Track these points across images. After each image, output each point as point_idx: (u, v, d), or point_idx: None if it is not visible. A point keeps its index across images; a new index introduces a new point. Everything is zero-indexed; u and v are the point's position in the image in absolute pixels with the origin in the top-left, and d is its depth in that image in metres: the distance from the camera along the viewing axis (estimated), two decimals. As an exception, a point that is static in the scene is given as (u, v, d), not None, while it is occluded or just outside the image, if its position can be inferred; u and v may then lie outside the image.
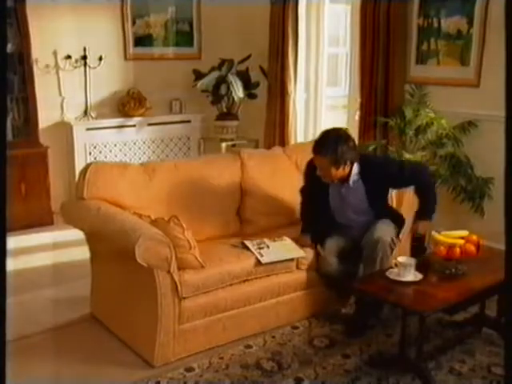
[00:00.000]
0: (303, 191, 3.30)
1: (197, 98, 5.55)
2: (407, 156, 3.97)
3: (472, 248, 2.74)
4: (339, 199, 3.10)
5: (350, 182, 2.99)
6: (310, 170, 3.11)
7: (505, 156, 1.08)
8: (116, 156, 5.20)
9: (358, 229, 3.11)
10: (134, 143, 5.32)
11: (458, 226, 3.06)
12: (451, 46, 4.16)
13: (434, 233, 2.86)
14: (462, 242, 2.75)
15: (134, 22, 5.27)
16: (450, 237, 2.79)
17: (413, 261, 2.68)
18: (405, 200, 3.52)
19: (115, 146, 5.20)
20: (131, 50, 5.30)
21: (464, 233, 2.85)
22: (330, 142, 2.89)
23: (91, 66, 5.02)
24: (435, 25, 4.23)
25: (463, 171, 3.99)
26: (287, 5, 5.13)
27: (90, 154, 5.04)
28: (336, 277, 3.06)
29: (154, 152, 5.43)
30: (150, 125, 5.38)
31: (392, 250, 2.98)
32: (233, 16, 5.69)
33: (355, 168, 2.98)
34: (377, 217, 3.08)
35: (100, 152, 5.11)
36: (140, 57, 5.36)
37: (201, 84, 5.34)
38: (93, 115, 5.11)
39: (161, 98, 5.48)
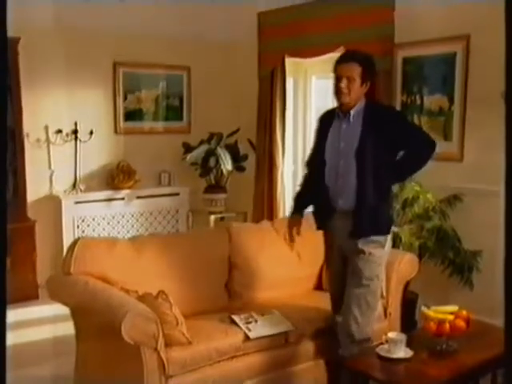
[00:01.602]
0: (310, 160, 3.16)
1: (185, 170, 5.63)
2: (395, 229, 4.00)
3: (462, 323, 2.74)
4: (336, 140, 2.91)
5: (353, 111, 2.86)
6: (325, 118, 3.06)
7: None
8: (104, 229, 5.21)
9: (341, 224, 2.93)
10: (123, 216, 5.34)
11: (447, 300, 3.07)
12: (434, 122, 4.30)
13: (423, 308, 2.86)
14: (451, 317, 2.75)
15: (125, 97, 5.42)
16: (440, 312, 2.79)
17: (403, 337, 2.67)
18: (393, 276, 3.51)
19: (103, 219, 5.22)
20: (122, 124, 5.43)
21: (453, 308, 2.85)
22: (361, 52, 2.93)
23: (82, 139, 5.11)
24: (418, 102, 4.39)
25: (451, 244, 4.02)
26: (275, 80, 5.32)
27: (78, 227, 5.05)
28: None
29: (142, 225, 5.44)
30: (138, 198, 5.42)
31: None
32: (222, 90, 5.87)
33: (362, 101, 2.89)
34: (360, 201, 2.82)
35: (88, 225, 5.11)
36: (130, 131, 5.48)
37: (190, 157, 5.44)
38: (82, 188, 5.15)
39: (150, 170, 5.56)
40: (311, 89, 5.50)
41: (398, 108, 4.51)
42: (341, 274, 2.99)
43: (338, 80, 2.82)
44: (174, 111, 5.77)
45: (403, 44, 4.38)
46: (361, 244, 2.85)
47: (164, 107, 5.70)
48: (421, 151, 2.89)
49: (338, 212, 2.91)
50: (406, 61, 4.44)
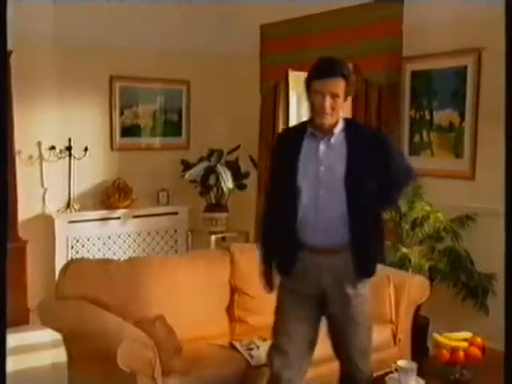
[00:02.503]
0: (270, 191, 2.78)
1: (184, 188, 5.62)
2: (404, 250, 3.99)
3: (477, 351, 2.70)
4: (313, 165, 2.55)
5: (336, 131, 2.54)
6: (288, 139, 2.70)
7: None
8: (99, 250, 5.19)
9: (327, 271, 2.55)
10: (119, 236, 5.32)
11: (461, 326, 3.03)
12: (444, 138, 4.30)
13: (435, 334, 2.83)
14: (465, 344, 2.72)
15: (121, 113, 5.43)
16: (453, 339, 2.76)
17: (414, 365, 2.63)
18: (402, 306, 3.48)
19: (99, 239, 5.20)
20: (118, 140, 5.43)
21: (468, 334, 2.82)
22: (342, 62, 2.60)
23: (76, 156, 5.11)
24: (427, 117, 4.39)
25: (463, 266, 4.00)
26: (278, 95, 5.34)
27: (72, 248, 5.03)
28: None
29: (139, 246, 5.42)
30: (135, 217, 5.41)
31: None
32: (222, 105, 5.88)
33: (341, 121, 2.58)
34: (357, 237, 2.52)
35: (82, 246, 5.09)
36: (127, 147, 5.49)
37: (189, 175, 5.43)
38: (76, 207, 5.14)
39: (147, 189, 5.55)
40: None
41: (407, 124, 4.53)
42: (303, 322, 2.60)
43: (319, 97, 2.49)
44: (172, 127, 5.78)
45: (412, 57, 4.40)
46: (350, 287, 2.56)
47: (162, 123, 5.71)
48: (403, 175, 2.69)
49: (317, 251, 2.54)
50: (414, 74, 4.45)
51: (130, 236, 5.38)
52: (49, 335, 3.36)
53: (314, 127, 2.58)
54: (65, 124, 5.07)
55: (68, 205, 5.12)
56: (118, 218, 5.31)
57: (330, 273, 2.55)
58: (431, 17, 4.26)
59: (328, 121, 2.52)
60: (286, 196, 2.59)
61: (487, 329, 3.28)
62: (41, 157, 5.01)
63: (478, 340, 2.77)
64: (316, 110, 2.52)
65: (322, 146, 2.55)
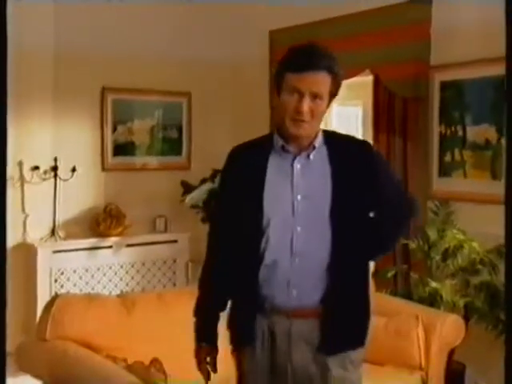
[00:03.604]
0: (220, 230, 2.29)
1: (185, 214, 5.59)
2: (433, 285, 3.93)
3: (521, 403, 2.63)
4: (285, 192, 2.12)
5: (316, 143, 2.14)
6: (246, 157, 2.24)
7: None
8: (87, 284, 5.15)
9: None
10: (110, 268, 5.28)
11: (502, 374, 2.95)
12: (479, 157, 4.25)
13: (473, 382, 2.76)
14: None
15: (114, 129, 5.44)
16: (494, 388, 2.69)
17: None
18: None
19: (86, 271, 5.16)
20: (110, 159, 5.43)
21: None
22: (327, 50, 2.17)
23: (62, 178, 5.09)
24: (459, 133, 4.36)
25: (504, 304, 3.93)
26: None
27: (56, 281, 4.99)
28: None
29: (133, 278, 5.38)
30: (129, 246, 5.38)
31: None
32: (227, 120, 5.89)
33: (320, 133, 2.19)
34: (338, 293, 2.10)
35: (68, 279, 5.06)
36: (120, 167, 5.48)
37: (190, 198, 5.41)
38: (61, 235, 5.11)
39: (143, 214, 5.53)
40: (331, 117, 5.50)
41: (436, 141, 4.49)
42: None
43: (294, 98, 2.06)
44: (171, 144, 5.77)
45: (441, 66, 4.38)
46: (336, 367, 2.12)
47: (160, 140, 5.71)
48: (401, 213, 2.30)
49: (288, 315, 2.11)
50: (444, 85, 4.44)
51: (122, 267, 5.34)
52: (28, 383, 3.30)
53: (285, 139, 2.15)
54: (50, 141, 5.08)
55: (52, 232, 5.10)
56: (110, 246, 5.28)
57: (308, 345, 2.11)
58: (464, 19, 4.23)
59: (306, 131, 2.10)
60: (245, 236, 2.15)
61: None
62: (22, 178, 5.00)
63: (523, 390, 2.69)
64: (289, 114, 2.08)
65: (297, 165, 2.13)
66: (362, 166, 2.15)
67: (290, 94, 2.05)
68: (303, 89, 2.03)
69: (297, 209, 2.10)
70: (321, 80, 2.05)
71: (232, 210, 2.20)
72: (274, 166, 2.15)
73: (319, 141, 2.15)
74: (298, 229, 2.09)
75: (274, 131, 2.21)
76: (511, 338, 1.11)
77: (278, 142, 2.15)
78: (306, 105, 2.04)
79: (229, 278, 2.23)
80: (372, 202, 2.17)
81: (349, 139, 2.30)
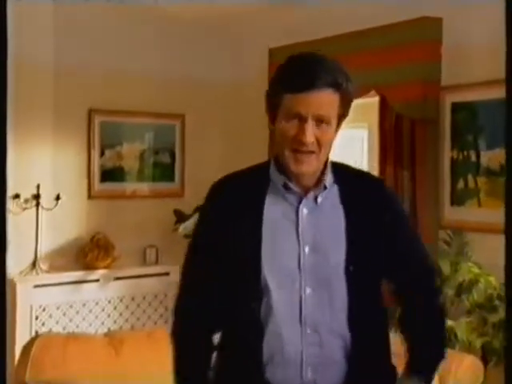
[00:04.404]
0: (199, 291, 1.97)
1: (177, 244, 5.53)
2: (448, 323, 3.88)
3: None
4: (290, 243, 1.81)
5: (327, 182, 1.85)
6: (236, 198, 1.90)
7: None
8: (71, 321, 5.10)
9: None
10: (96, 303, 5.24)
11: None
12: (494, 183, 4.23)
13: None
14: None
15: (102, 153, 5.43)
16: None
17: None
18: None
19: (71, 307, 5.12)
20: (97, 186, 5.41)
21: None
22: (333, 62, 1.83)
23: (45, 206, 5.07)
24: (473, 158, 4.35)
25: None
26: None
27: (37, 318, 4.94)
28: None
29: (121, 314, 5.34)
30: (117, 279, 5.35)
31: None
32: (224, 144, 5.89)
33: (329, 172, 1.89)
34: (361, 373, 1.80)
35: (50, 316, 5.01)
36: (108, 194, 5.47)
37: (183, 228, 5.39)
38: (43, 268, 5.08)
39: (132, 245, 5.51)
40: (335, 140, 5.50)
41: (447, 167, 4.48)
42: None
43: (294, 124, 1.77)
44: (163, 170, 5.77)
45: (452, 86, 4.39)
46: None
47: (151, 165, 5.71)
48: (425, 270, 2.04)
49: None
50: (456, 107, 4.44)
51: (110, 302, 5.31)
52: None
53: (286, 175, 1.84)
54: (32, 167, 5.06)
55: (33, 265, 5.07)
56: (97, 280, 5.25)
57: None
58: (477, 38, 4.25)
59: (311, 167, 1.79)
60: (237, 304, 1.84)
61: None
62: (2, 207, 4.97)
63: None
64: (289, 145, 1.78)
65: (303, 210, 1.82)
66: (380, 211, 1.88)
67: (289, 120, 1.76)
68: (305, 112, 1.73)
69: (305, 265, 1.78)
70: (326, 100, 1.74)
71: (218, 260, 1.86)
72: (274, 209, 1.83)
73: (329, 178, 1.86)
74: (307, 290, 1.78)
75: (271, 161, 1.92)
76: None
77: (278, 178, 1.85)
78: (310, 132, 1.73)
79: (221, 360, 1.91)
80: (393, 253, 1.90)
81: (364, 176, 2.03)
